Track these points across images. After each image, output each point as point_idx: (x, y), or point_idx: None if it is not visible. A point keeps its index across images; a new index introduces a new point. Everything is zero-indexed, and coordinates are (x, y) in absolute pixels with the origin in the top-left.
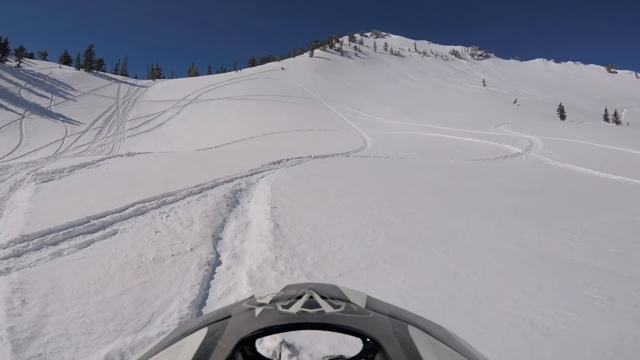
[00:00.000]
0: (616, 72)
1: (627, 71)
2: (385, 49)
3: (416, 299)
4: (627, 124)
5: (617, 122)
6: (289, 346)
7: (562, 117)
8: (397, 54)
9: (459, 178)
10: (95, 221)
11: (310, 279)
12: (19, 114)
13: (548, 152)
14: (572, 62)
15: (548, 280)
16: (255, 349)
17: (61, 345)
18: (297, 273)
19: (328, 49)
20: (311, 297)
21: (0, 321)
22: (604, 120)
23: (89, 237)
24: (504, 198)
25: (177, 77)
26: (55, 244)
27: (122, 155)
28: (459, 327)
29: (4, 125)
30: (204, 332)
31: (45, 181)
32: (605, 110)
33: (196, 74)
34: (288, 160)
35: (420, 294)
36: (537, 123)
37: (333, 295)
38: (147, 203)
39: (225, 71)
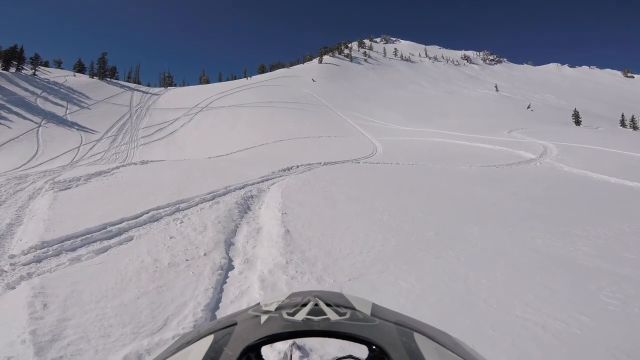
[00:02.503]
0: (633, 77)
1: None
2: (395, 55)
3: (426, 303)
4: None
5: (635, 127)
6: (299, 348)
7: (577, 122)
8: (407, 60)
9: (470, 184)
10: (111, 228)
11: (321, 283)
12: (36, 122)
13: (563, 158)
14: (587, 67)
15: (560, 284)
16: (261, 356)
17: (81, 347)
18: (308, 277)
19: (337, 54)
20: (316, 304)
21: (23, 324)
22: (621, 126)
23: (105, 243)
24: (517, 204)
25: (188, 85)
26: (73, 249)
27: (136, 163)
28: (469, 330)
29: (22, 134)
30: (210, 339)
31: (62, 189)
32: (622, 115)
33: (207, 81)
34: (298, 167)
35: (430, 297)
36: (552, 128)
37: (338, 302)
38: (161, 210)
39: (235, 78)
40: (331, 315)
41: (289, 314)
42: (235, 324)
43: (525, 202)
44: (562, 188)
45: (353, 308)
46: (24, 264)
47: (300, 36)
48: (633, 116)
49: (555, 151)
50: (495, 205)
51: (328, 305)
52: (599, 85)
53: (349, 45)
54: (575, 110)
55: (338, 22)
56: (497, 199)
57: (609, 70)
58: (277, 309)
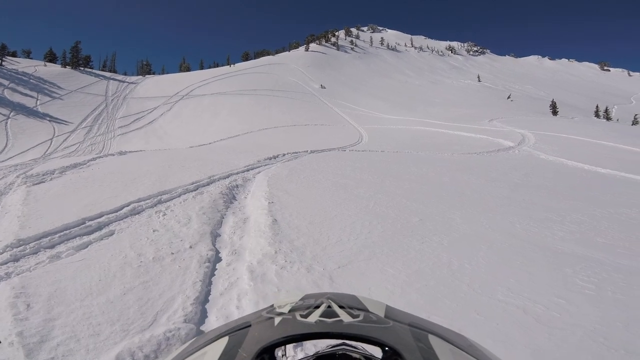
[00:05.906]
0: (609, 70)
1: (620, 69)
2: (382, 44)
3: (412, 288)
4: (617, 120)
5: (608, 118)
6: None
7: (555, 112)
8: (394, 49)
9: (452, 171)
10: (90, 222)
11: (310, 272)
12: (4, 114)
13: (540, 146)
14: (567, 60)
15: (539, 269)
16: (274, 357)
17: (71, 347)
18: (297, 266)
19: (324, 43)
20: (329, 306)
21: (8, 326)
22: (595, 117)
23: (85, 238)
24: (496, 190)
25: (168, 73)
26: (52, 247)
27: (113, 154)
28: (455, 314)
29: None
30: (224, 341)
31: (36, 183)
32: (597, 107)
33: (188, 69)
34: (284, 155)
35: (416, 283)
36: (530, 118)
37: (351, 304)
38: (142, 202)
39: (218, 66)
40: (344, 317)
41: (302, 316)
42: (249, 325)
43: (505, 188)
44: (539, 175)
45: (366, 310)
46: (1, 264)
47: (287, 24)
48: (607, 107)
49: (533, 139)
50: (476, 191)
51: (341, 307)
52: (576, 77)
53: (336, 33)
54: (552, 101)
55: (325, 10)
56: (477, 185)
57: (586, 63)
58: (291, 310)
